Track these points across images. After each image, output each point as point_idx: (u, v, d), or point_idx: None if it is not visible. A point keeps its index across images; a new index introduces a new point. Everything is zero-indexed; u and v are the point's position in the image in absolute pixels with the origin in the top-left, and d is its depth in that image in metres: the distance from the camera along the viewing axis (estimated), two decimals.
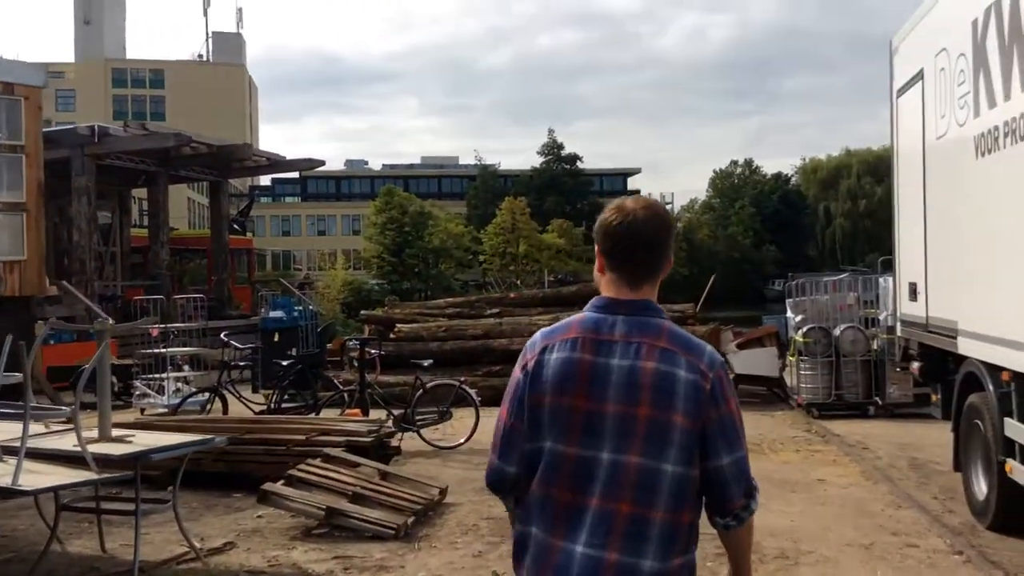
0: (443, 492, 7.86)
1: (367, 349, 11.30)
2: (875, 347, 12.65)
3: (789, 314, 13.90)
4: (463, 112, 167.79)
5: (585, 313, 2.29)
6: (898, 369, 9.66)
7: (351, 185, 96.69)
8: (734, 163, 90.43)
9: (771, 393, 14.57)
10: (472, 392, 10.61)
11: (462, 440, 10.44)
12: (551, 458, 2.20)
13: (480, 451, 10.14)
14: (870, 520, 6.72)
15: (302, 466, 7.38)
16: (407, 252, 72.64)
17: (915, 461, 9.11)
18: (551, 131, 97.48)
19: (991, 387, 6.27)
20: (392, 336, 16.37)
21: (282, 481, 7.13)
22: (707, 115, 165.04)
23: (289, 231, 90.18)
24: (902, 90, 8.72)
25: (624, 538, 2.12)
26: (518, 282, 60.34)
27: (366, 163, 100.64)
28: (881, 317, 12.52)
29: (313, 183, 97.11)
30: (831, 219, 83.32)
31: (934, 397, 8.36)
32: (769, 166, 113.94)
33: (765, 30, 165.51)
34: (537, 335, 2.35)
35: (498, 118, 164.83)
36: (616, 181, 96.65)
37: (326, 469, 7.50)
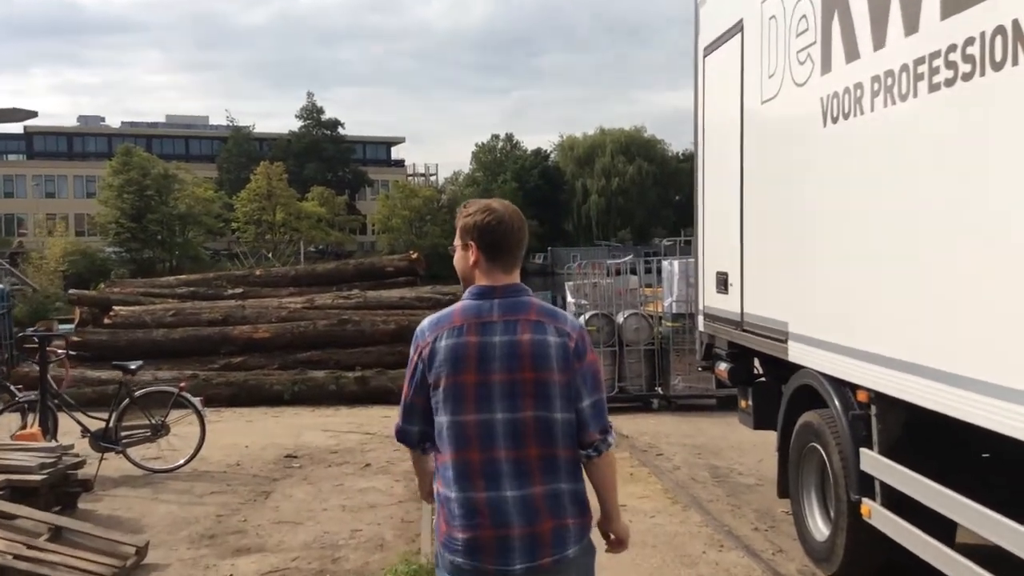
0: (141, 551, 5.78)
1: (51, 346, 8.78)
2: (659, 335, 11.70)
3: (569, 299, 12.72)
4: (213, 69, 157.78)
5: (465, 302, 2.70)
6: (700, 369, 8.62)
7: (85, 143, 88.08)
8: (495, 137, 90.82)
9: None
10: (196, 400, 8.47)
11: (182, 461, 8.31)
12: (454, 429, 2.61)
13: (206, 474, 8.09)
14: (693, 571, 5.43)
15: None
16: (149, 218, 66.74)
17: (717, 471, 8.07)
18: (310, 94, 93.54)
19: (839, 407, 5.12)
20: (107, 321, 13.68)
21: None
22: (469, 88, 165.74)
23: (12, 192, 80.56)
24: (711, 48, 7.50)
25: (541, 473, 2.59)
26: (269, 255, 56.87)
27: (103, 120, 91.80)
28: (666, 303, 11.59)
29: (40, 140, 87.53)
30: (587, 196, 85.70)
31: (743, 403, 7.28)
32: (529, 141, 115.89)
33: (524, 5, 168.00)
34: (424, 324, 2.72)
35: (252, 79, 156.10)
36: (380, 149, 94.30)
37: None
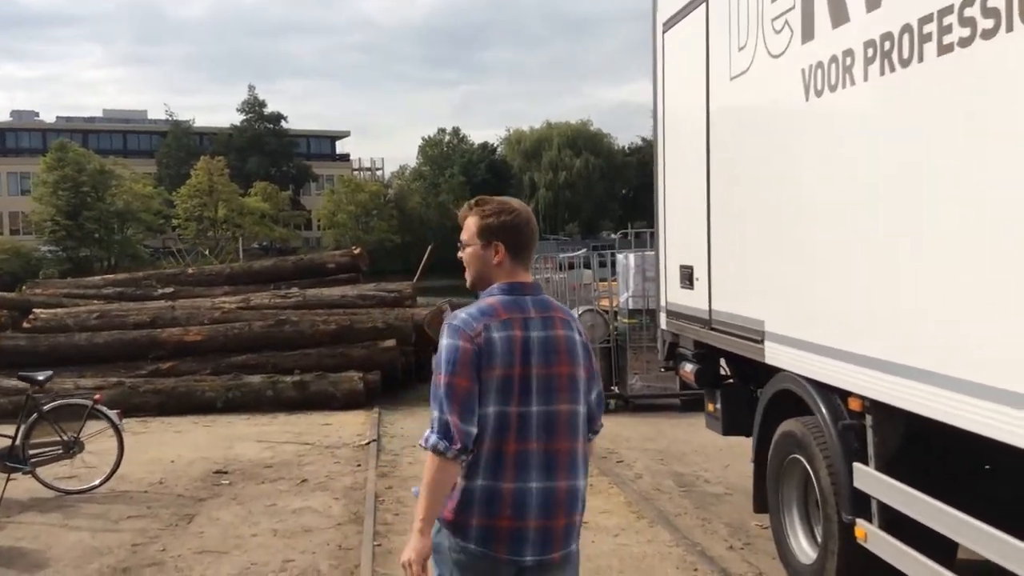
0: None
1: None
2: (614, 332, 11.15)
3: None
4: (153, 64, 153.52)
5: (501, 297, 2.74)
6: (662, 369, 8.06)
7: (18, 139, 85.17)
8: (442, 131, 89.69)
9: None
10: (113, 413, 7.68)
11: (98, 481, 7.54)
12: (499, 420, 2.62)
13: (124, 495, 7.34)
14: None
15: None
16: (85, 215, 64.74)
17: (682, 479, 7.52)
18: (251, 87, 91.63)
19: (826, 416, 4.58)
20: (26, 325, 12.74)
21: None
22: (414, 81, 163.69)
23: None
24: (672, 21, 6.92)
25: (567, 468, 2.70)
26: (206, 252, 55.20)
27: (36, 115, 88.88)
28: (621, 299, 11.03)
29: None
30: (535, 189, 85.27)
31: (711, 407, 6.74)
32: (476, 136, 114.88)
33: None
34: (464, 316, 2.68)
35: (193, 73, 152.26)
36: (324, 143, 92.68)
37: None
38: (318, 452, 8.92)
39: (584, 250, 13.53)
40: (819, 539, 4.86)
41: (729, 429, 6.54)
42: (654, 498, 6.91)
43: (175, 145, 77.31)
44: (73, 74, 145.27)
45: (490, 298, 2.74)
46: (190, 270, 15.31)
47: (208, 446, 9.30)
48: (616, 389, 11.05)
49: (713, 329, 6.20)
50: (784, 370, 5.09)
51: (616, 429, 9.70)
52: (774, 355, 5.19)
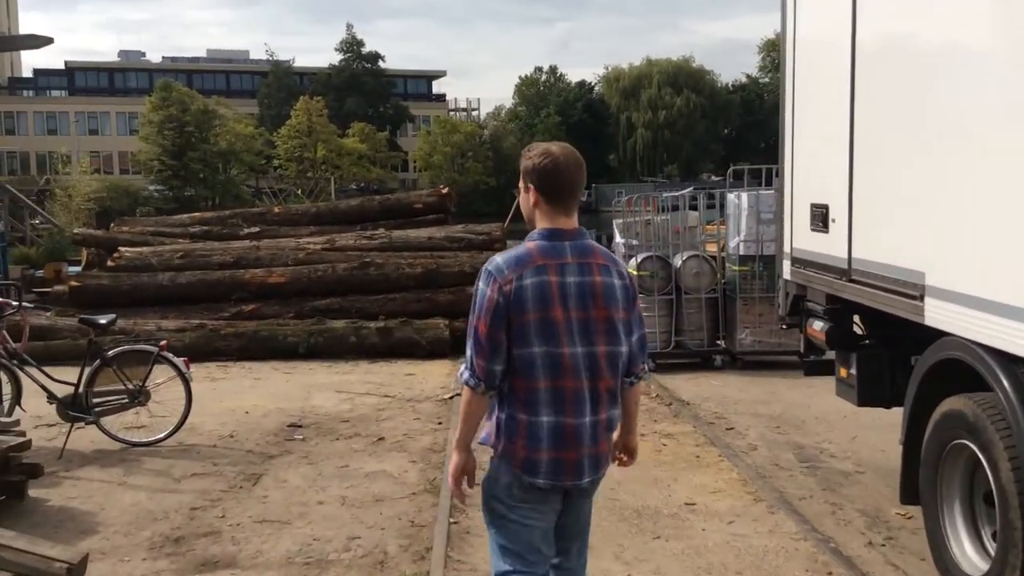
0: (75, 570, 4.50)
1: (4, 296, 7.49)
2: (722, 281, 10.15)
3: (617, 238, 11.17)
4: (256, 5, 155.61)
5: (539, 242, 2.85)
6: (783, 327, 7.07)
7: (126, 79, 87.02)
8: (539, 70, 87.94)
9: None
10: (180, 361, 7.15)
11: (164, 433, 7.06)
12: (548, 359, 2.78)
13: (192, 448, 6.85)
14: None
15: None
16: (189, 155, 65.93)
17: (803, 453, 6.60)
18: (350, 26, 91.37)
19: (1010, 393, 3.61)
20: (110, 264, 12.47)
21: None
22: (511, 20, 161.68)
23: (56, 129, 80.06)
24: None
25: (608, 402, 2.89)
26: (298, 192, 55.24)
27: (143, 55, 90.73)
28: (731, 244, 9.99)
29: (82, 76, 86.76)
30: (633, 129, 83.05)
31: (844, 373, 5.77)
32: (573, 74, 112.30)
33: None
34: (499, 262, 2.83)
35: (295, 13, 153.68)
36: (420, 84, 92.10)
37: None
38: (398, 406, 8.29)
39: (691, 188, 12.44)
40: (991, 547, 3.93)
41: (866, 399, 5.57)
42: (773, 476, 6.01)
43: (276, 85, 77.85)
44: (179, 15, 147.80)
45: (530, 243, 2.87)
46: (276, 209, 14.83)
47: (286, 396, 8.79)
48: (723, 344, 10.08)
49: (853, 281, 5.21)
50: (950, 334, 4.11)
51: (723, 390, 8.79)
52: (937, 315, 4.21)
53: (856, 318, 5.74)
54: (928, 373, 4.37)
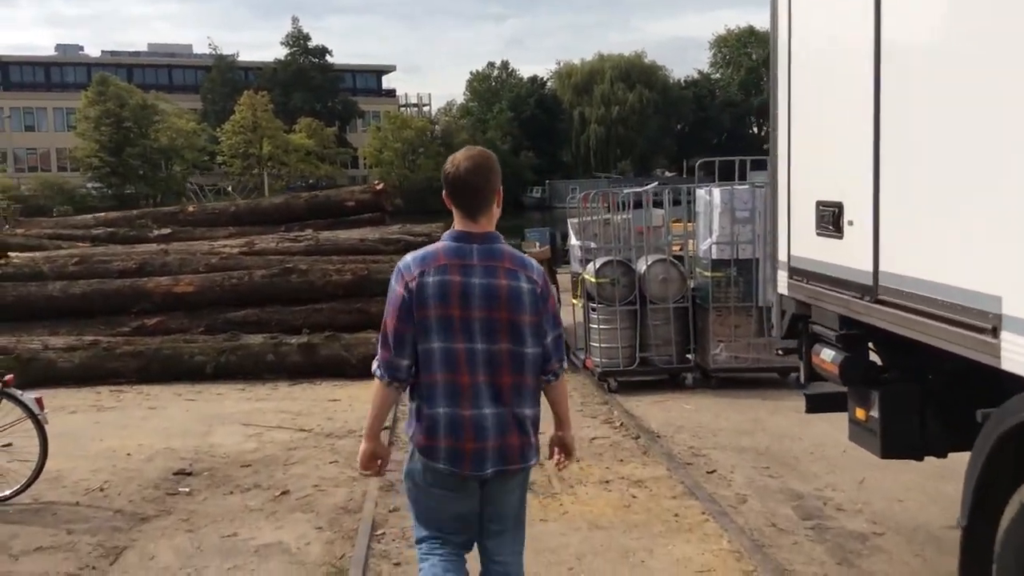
0: None
1: None
2: (690, 288, 8.94)
3: (573, 240, 9.92)
4: (201, 0, 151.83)
5: (447, 243, 3.00)
6: (778, 352, 5.86)
7: (64, 74, 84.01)
8: (491, 65, 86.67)
9: None
10: (30, 398, 5.72)
11: (9, 491, 5.66)
12: (445, 354, 2.94)
13: (49, 508, 5.38)
14: None
15: None
16: (128, 152, 63.64)
17: (803, 505, 5.39)
18: (295, 20, 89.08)
19: None
20: None
21: None
22: (463, 17, 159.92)
23: None
24: None
25: (512, 397, 2.99)
26: (228, 188, 53.36)
27: (81, 49, 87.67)
28: (703, 246, 8.77)
29: (17, 71, 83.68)
30: (586, 125, 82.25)
31: (861, 414, 4.56)
32: (525, 71, 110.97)
33: None
34: (408, 260, 3.01)
35: (242, 8, 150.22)
36: (370, 79, 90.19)
37: None
38: (314, 443, 6.94)
39: (655, 183, 11.21)
40: None
41: (892, 449, 4.38)
42: (773, 543, 4.76)
43: (219, 80, 75.58)
44: (120, 9, 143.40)
45: (439, 243, 3.03)
46: (190, 208, 13.28)
47: (181, 431, 7.38)
48: (694, 359, 8.87)
49: (881, 302, 4.00)
50: None
51: (698, 416, 7.58)
52: (1020, 357, 3.00)
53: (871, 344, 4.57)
54: (1005, 437, 3.15)
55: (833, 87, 4.52)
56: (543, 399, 3.14)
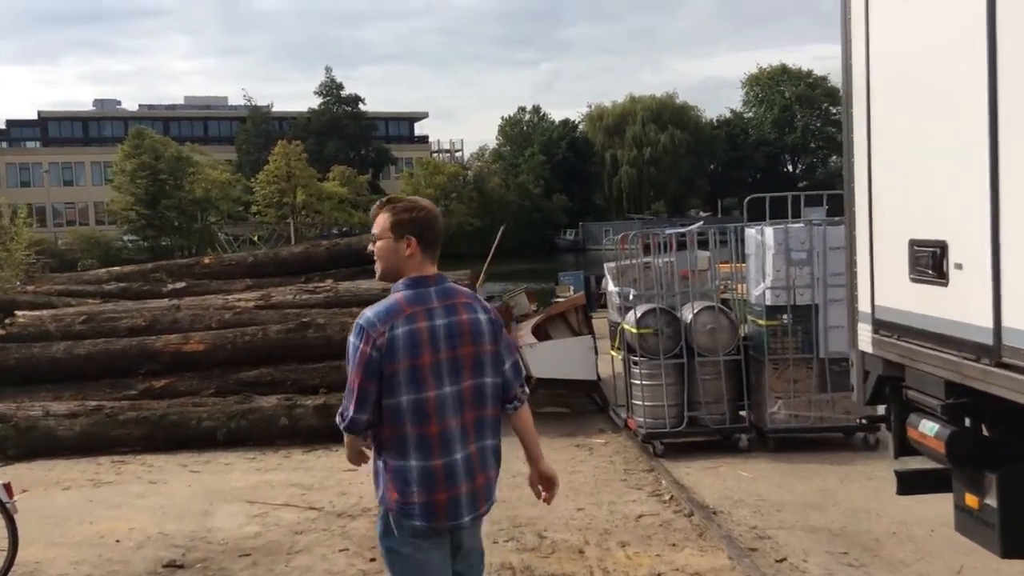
0: None
1: None
2: (742, 339, 8.08)
3: (611, 287, 9.12)
4: (239, 54, 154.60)
5: (405, 292, 2.97)
6: (860, 421, 5.02)
7: (101, 128, 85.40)
8: (522, 110, 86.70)
9: (588, 399, 9.90)
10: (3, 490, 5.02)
11: None
12: (415, 406, 2.90)
13: None
14: None
15: None
16: (164, 204, 64.03)
17: None
18: (328, 68, 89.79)
19: None
20: (1, 332, 10.35)
21: None
22: (494, 62, 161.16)
23: (29, 181, 78.17)
24: None
25: (475, 432, 2.99)
26: (254, 239, 53.28)
27: (119, 103, 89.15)
28: (756, 291, 7.94)
29: (55, 125, 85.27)
30: (618, 166, 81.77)
31: (973, 502, 3.71)
32: (557, 114, 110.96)
33: None
34: (370, 316, 2.93)
35: (278, 61, 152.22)
36: (402, 126, 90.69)
37: None
38: (324, 525, 6.15)
39: (700, 223, 10.39)
40: None
41: (1017, 546, 3.53)
42: None
43: (254, 131, 76.21)
44: (162, 67, 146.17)
45: (396, 294, 2.99)
46: (206, 260, 12.70)
47: (179, 511, 6.63)
48: (748, 418, 7.99)
49: (1005, 365, 3.18)
50: None
51: (757, 486, 6.69)
52: None
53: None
54: None
55: (931, 109, 3.74)
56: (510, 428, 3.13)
